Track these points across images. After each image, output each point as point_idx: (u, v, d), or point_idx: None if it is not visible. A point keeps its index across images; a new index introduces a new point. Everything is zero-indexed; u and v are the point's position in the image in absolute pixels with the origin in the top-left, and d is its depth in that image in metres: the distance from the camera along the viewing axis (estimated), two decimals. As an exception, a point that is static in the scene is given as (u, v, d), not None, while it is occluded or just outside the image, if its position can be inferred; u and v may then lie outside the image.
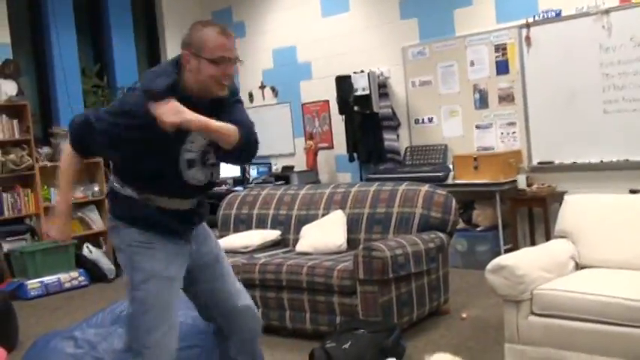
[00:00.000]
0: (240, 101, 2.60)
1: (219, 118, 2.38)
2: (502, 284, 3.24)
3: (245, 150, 2.48)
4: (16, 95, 6.70)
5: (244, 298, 2.78)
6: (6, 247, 6.47)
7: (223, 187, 6.92)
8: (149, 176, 2.47)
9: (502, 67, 6.03)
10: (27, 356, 3.38)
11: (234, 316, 2.74)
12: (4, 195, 6.53)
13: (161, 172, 2.46)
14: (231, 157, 2.54)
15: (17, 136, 6.62)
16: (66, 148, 2.56)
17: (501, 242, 5.78)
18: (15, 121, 6.61)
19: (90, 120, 2.44)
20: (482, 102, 6.18)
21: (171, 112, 2.26)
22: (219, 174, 2.65)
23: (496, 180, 5.70)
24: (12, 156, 6.52)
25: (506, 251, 5.41)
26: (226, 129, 2.37)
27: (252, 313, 2.79)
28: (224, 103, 2.48)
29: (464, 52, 6.23)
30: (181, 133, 2.36)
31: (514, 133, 6.01)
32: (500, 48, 6.01)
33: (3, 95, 6.63)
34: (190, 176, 2.50)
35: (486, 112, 6.16)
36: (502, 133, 6.09)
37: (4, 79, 6.65)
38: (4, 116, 6.54)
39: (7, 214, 6.54)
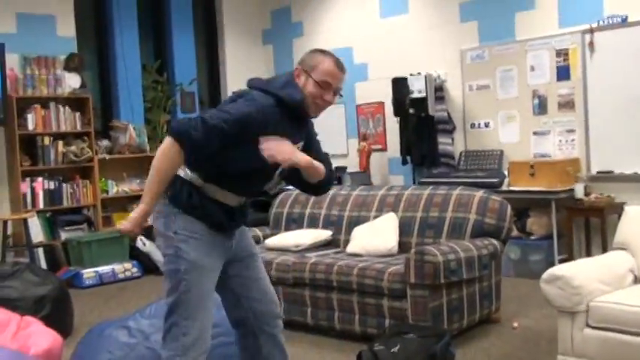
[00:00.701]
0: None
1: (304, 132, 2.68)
2: (557, 295, 3.17)
3: (325, 187, 2.77)
4: (79, 88, 6.89)
5: (271, 303, 2.80)
6: (64, 236, 6.66)
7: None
8: (236, 174, 2.56)
9: (563, 73, 5.90)
10: (82, 343, 3.47)
11: (257, 319, 2.77)
12: (64, 185, 6.72)
13: (250, 173, 2.58)
14: (311, 189, 2.77)
15: (79, 128, 6.81)
16: (167, 149, 2.42)
17: (555, 252, 5.66)
18: (77, 114, 6.80)
19: (220, 124, 2.42)
20: (541, 108, 6.06)
21: (287, 152, 2.50)
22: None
23: (552, 188, 5.59)
24: (73, 147, 6.71)
25: (561, 261, 5.29)
26: (321, 169, 2.64)
27: (277, 315, 2.82)
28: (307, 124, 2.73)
29: (524, 57, 6.12)
30: (290, 138, 2.57)
31: (573, 140, 5.88)
32: (562, 53, 5.88)
33: (67, 88, 6.82)
34: (273, 178, 2.70)
35: (545, 118, 6.05)
36: (560, 141, 5.97)
37: (68, 72, 6.85)
38: (67, 108, 6.73)
39: (66, 203, 6.73)
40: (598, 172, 5.71)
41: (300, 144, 2.67)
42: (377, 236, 4.55)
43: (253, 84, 2.63)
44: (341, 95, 2.72)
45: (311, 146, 2.75)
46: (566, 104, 5.90)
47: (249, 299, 2.75)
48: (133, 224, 2.50)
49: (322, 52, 2.66)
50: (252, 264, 2.79)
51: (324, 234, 4.93)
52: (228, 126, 2.42)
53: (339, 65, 2.62)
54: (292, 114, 2.58)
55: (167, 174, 2.45)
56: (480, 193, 4.43)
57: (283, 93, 2.54)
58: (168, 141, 2.41)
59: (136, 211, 2.49)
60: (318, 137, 2.86)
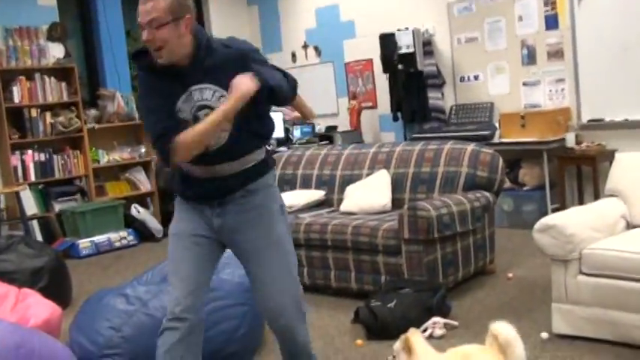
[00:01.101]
0: (259, 61, 2.51)
1: (202, 76, 2.40)
2: (550, 244, 3.20)
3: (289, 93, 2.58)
4: (64, 58, 6.81)
5: (269, 313, 2.57)
6: (57, 207, 6.66)
7: (267, 148, 6.93)
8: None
9: (551, 22, 5.85)
10: (81, 313, 3.49)
11: (263, 312, 2.66)
12: (55, 157, 6.69)
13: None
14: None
15: (65, 98, 6.74)
16: (183, 147, 2.39)
17: (548, 202, 5.69)
18: (63, 84, 6.73)
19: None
20: (530, 58, 6.03)
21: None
22: (237, 140, 2.47)
23: (544, 138, 5.59)
24: (61, 118, 6.65)
25: (554, 211, 5.32)
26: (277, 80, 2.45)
27: (275, 319, 2.57)
28: (208, 60, 2.42)
29: (512, 7, 6.06)
30: (173, 95, 2.41)
31: (563, 90, 5.86)
32: (550, 2, 5.82)
33: (51, 58, 6.74)
34: None
35: (534, 68, 6.01)
36: (550, 90, 5.95)
37: (51, 42, 6.76)
38: (52, 79, 6.65)
39: (58, 175, 6.71)
40: (589, 121, 5.71)
41: (205, 88, 2.41)
42: (370, 194, 4.56)
43: None
44: (166, 23, 2.32)
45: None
46: (556, 53, 5.86)
47: (254, 294, 2.63)
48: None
49: None
50: (255, 262, 2.55)
51: (317, 194, 4.94)
52: (148, 113, 2.47)
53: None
54: (161, 69, 2.40)
55: (199, 128, 2.39)
56: (471, 147, 4.43)
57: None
58: (173, 153, 2.42)
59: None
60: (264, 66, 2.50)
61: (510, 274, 4.40)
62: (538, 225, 3.25)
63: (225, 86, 2.38)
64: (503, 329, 2.33)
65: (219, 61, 2.43)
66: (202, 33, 2.47)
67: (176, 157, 2.39)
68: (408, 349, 2.37)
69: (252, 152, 2.54)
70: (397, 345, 2.42)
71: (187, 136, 2.35)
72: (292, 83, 2.60)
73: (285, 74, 2.59)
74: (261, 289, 2.56)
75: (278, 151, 6.30)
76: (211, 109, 2.39)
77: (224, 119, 2.35)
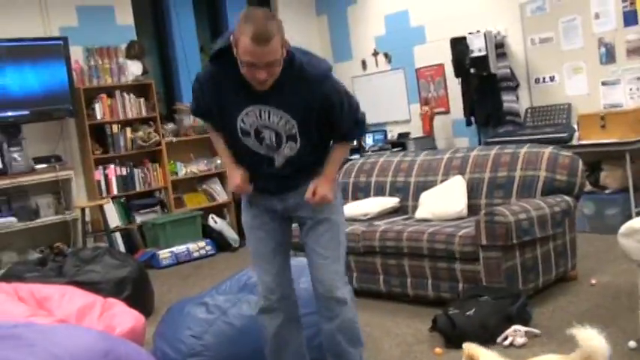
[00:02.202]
0: (342, 104, 2.57)
1: (275, 100, 2.49)
2: (636, 248, 3.07)
3: (353, 139, 2.87)
4: (142, 75, 7.04)
5: (321, 287, 2.72)
6: (139, 219, 6.88)
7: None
8: (235, 149, 2.72)
9: (630, 18, 5.65)
10: (163, 321, 3.59)
11: (315, 297, 2.80)
12: (136, 170, 6.92)
13: (228, 130, 2.66)
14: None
15: (144, 114, 6.97)
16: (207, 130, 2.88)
17: (632, 205, 5.48)
18: (141, 100, 6.96)
19: (192, 106, 2.84)
20: (609, 56, 5.83)
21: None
22: (295, 160, 2.63)
23: (626, 139, 5.39)
24: (140, 133, 6.88)
25: (638, 214, 5.13)
26: (336, 168, 2.72)
27: (325, 304, 2.73)
28: (289, 87, 2.46)
29: (587, 4, 5.89)
30: (238, 104, 2.54)
31: (645, 88, 5.65)
32: (628, -3, 5.64)
33: (130, 76, 6.98)
34: (249, 144, 2.62)
35: (613, 67, 5.81)
36: (631, 89, 5.73)
37: (130, 59, 7.00)
38: (131, 95, 6.90)
39: (139, 188, 6.94)
40: (674, 119, 5.47)
41: (272, 112, 2.50)
42: (445, 200, 4.51)
43: None
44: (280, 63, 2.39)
45: (329, 118, 2.56)
46: (636, 50, 5.65)
47: (310, 271, 2.80)
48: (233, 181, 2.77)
49: (246, 18, 2.32)
50: (311, 231, 2.75)
51: (392, 201, 4.92)
52: (195, 105, 2.78)
53: (258, 40, 2.26)
54: (237, 79, 2.46)
55: (214, 140, 2.83)
56: (549, 150, 4.32)
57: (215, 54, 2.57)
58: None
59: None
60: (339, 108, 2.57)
61: (594, 281, 4.26)
62: (623, 229, 3.13)
63: (294, 111, 2.50)
64: (589, 337, 2.25)
65: (296, 89, 2.47)
66: (296, 54, 2.48)
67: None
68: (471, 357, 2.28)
69: (314, 164, 2.70)
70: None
71: (212, 138, 2.83)
72: (359, 130, 2.77)
73: (357, 117, 2.68)
74: (314, 263, 2.74)
75: (351, 159, 6.31)
76: (275, 132, 2.54)
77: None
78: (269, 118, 2.51)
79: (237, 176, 2.69)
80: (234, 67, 2.42)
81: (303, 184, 2.67)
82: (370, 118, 7.86)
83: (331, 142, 2.73)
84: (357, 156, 6.78)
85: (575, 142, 5.68)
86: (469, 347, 2.29)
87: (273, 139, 2.57)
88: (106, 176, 6.73)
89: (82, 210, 6.32)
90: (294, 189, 2.70)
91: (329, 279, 2.70)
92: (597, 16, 5.85)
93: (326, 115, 2.55)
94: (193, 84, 2.71)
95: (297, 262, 3.52)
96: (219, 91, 2.56)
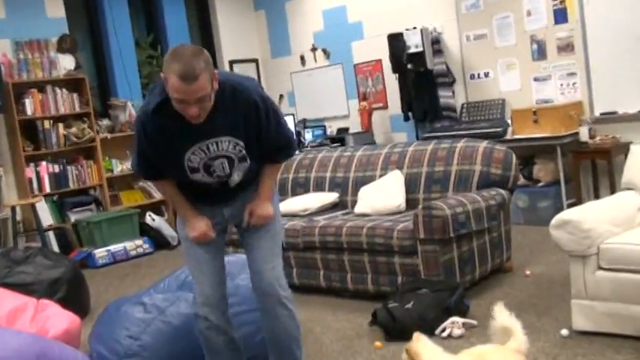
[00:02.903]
0: (267, 107, 2.58)
1: (218, 129, 2.51)
2: (567, 239, 3.17)
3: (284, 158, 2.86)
4: (75, 69, 6.85)
5: (259, 280, 2.73)
6: (73, 217, 6.69)
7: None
8: (180, 181, 2.70)
9: (560, 16, 5.82)
10: (99, 322, 3.50)
11: (254, 292, 2.80)
12: (69, 167, 6.72)
13: (179, 176, 2.65)
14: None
15: (77, 109, 6.78)
16: (154, 184, 2.81)
17: (564, 197, 5.66)
18: (74, 95, 6.76)
19: (136, 156, 2.72)
20: (541, 53, 5.99)
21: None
22: (244, 179, 2.70)
23: (557, 133, 5.55)
24: (74, 129, 6.69)
25: (569, 206, 5.27)
26: (272, 188, 2.79)
27: (264, 298, 2.74)
28: (224, 113, 2.50)
29: (520, 2, 6.03)
30: (184, 146, 2.52)
31: (574, 84, 5.82)
32: (558, -4, 5.80)
33: (62, 70, 6.78)
34: (199, 179, 2.62)
35: (545, 63, 5.98)
36: (562, 85, 5.91)
37: (62, 53, 6.80)
38: (63, 90, 6.70)
39: (73, 185, 6.75)
40: (602, 114, 5.67)
41: (221, 140, 2.53)
42: (384, 195, 4.54)
43: None
44: (210, 101, 2.41)
45: (263, 133, 2.60)
46: (566, 47, 5.83)
47: (249, 269, 2.80)
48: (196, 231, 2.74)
49: (172, 56, 2.35)
50: (253, 235, 2.78)
51: (331, 196, 4.93)
52: (137, 160, 2.70)
53: (185, 77, 2.28)
54: (176, 117, 2.44)
55: (166, 192, 2.79)
56: (484, 144, 4.41)
57: (149, 99, 2.54)
58: None
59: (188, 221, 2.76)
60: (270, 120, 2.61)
61: (528, 272, 4.37)
62: (554, 221, 3.22)
63: (239, 133, 2.54)
64: (501, 316, 2.34)
65: (234, 111, 2.50)
66: (220, 82, 2.47)
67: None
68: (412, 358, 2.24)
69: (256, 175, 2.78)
70: (404, 356, 2.31)
71: (157, 187, 2.99)
72: (290, 150, 2.81)
73: (288, 135, 2.74)
74: (255, 260, 2.76)
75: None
76: (227, 158, 2.56)
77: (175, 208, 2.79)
78: (218, 147, 2.54)
79: (201, 225, 2.69)
80: (174, 112, 2.42)
81: (249, 187, 2.76)
82: (309, 114, 7.91)
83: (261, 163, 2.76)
84: (296, 152, 6.76)
85: (509, 136, 5.82)
86: (412, 347, 2.26)
87: (226, 166, 2.60)
88: (37, 174, 6.52)
89: (13, 208, 6.11)
90: (241, 194, 2.76)
91: (271, 276, 2.72)
92: (529, 13, 6.00)
93: (258, 126, 2.58)
94: (135, 138, 2.62)
95: (237, 258, 3.50)
96: (163, 137, 2.51)
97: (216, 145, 2.54)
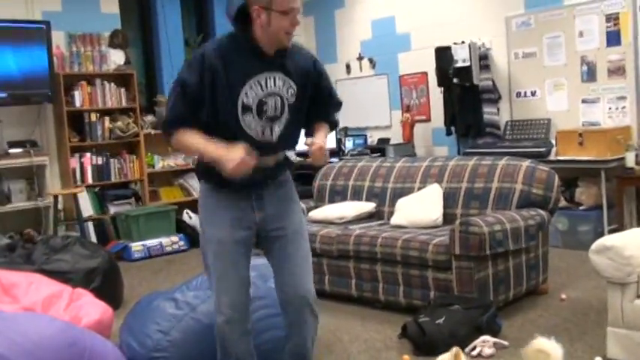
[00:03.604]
0: (326, 74, 2.79)
1: (281, 67, 2.58)
2: (607, 265, 3.10)
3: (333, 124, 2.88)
4: (124, 64, 6.97)
5: (294, 291, 2.68)
6: (112, 210, 6.80)
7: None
8: (215, 125, 2.54)
9: (613, 38, 5.71)
10: (131, 314, 3.54)
11: (286, 302, 2.71)
12: (112, 160, 6.84)
13: (223, 117, 2.54)
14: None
15: (124, 104, 6.90)
16: (177, 142, 2.58)
17: (605, 222, 5.54)
18: (122, 90, 6.89)
19: (174, 101, 2.56)
20: (590, 75, 5.89)
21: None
22: (280, 134, 2.63)
23: (602, 157, 5.44)
24: (119, 123, 6.81)
25: (611, 232, 5.17)
26: (326, 135, 2.74)
27: (295, 308, 2.69)
28: (292, 58, 2.62)
29: (572, 23, 5.94)
30: (247, 75, 2.52)
31: (624, 108, 5.71)
32: (612, 18, 5.68)
33: (112, 64, 6.91)
34: (247, 123, 2.55)
35: (594, 85, 5.87)
36: (610, 108, 5.80)
37: (113, 48, 6.93)
38: (112, 84, 6.82)
39: (114, 178, 6.86)
40: (650, 140, 5.55)
41: (278, 77, 2.57)
42: (421, 208, 4.51)
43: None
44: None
45: (320, 94, 2.73)
46: (617, 70, 5.72)
47: (278, 279, 2.73)
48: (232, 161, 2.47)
49: None
50: (286, 245, 2.70)
51: (368, 206, 4.92)
52: (180, 97, 2.51)
53: None
54: (246, 46, 2.53)
55: (194, 142, 2.55)
56: (526, 163, 4.35)
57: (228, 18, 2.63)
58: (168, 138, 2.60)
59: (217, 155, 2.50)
60: (325, 80, 2.78)
61: (564, 296, 4.29)
62: (595, 246, 3.15)
63: (294, 80, 2.61)
64: (544, 344, 2.28)
65: (299, 62, 2.64)
66: None
67: (171, 143, 2.60)
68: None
69: (291, 149, 2.77)
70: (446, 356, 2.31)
71: (181, 140, 2.55)
72: (338, 112, 2.90)
73: (338, 98, 2.87)
74: (291, 269, 2.68)
75: (330, 162, 6.30)
76: (280, 97, 2.58)
77: (207, 156, 2.53)
78: (274, 83, 2.58)
79: (239, 150, 2.42)
80: (242, 40, 2.53)
81: (280, 176, 2.73)
82: (351, 122, 7.89)
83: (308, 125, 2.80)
84: (335, 159, 6.77)
85: (552, 157, 5.73)
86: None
87: (279, 106, 2.60)
88: (81, 165, 6.64)
89: (55, 197, 6.23)
90: (270, 181, 2.69)
91: (310, 287, 2.70)
92: (581, 34, 5.90)
93: (316, 86, 2.70)
94: (179, 80, 2.53)
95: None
96: (226, 70, 2.50)
97: (273, 80, 2.56)
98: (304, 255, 2.73)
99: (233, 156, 2.41)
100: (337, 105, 2.86)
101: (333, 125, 2.85)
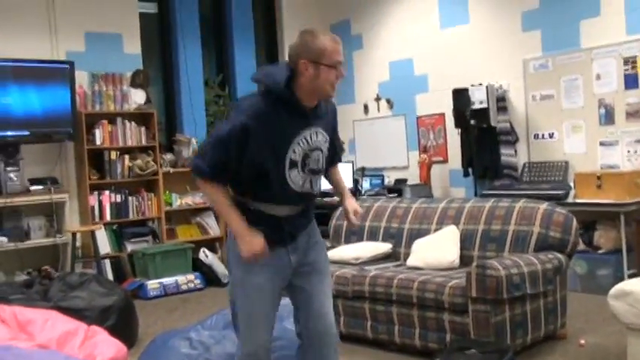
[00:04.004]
0: (336, 117, 2.89)
1: (317, 120, 2.67)
2: (626, 311, 3.06)
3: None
4: (145, 104, 7.08)
5: (323, 324, 2.74)
6: (130, 247, 6.83)
7: (336, 199, 6.95)
8: (257, 177, 2.59)
9: (631, 81, 5.71)
10: (145, 353, 3.54)
11: (311, 338, 2.74)
12: (130, 198, 6.90)
13: (267, 172, 2.58)
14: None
15: (144, 142, 6.98)
16: (202, 187, 2.62)
17: (625, 267, 5.46)
18: (142, 128, 6.98)
19: (219, 138, 2.57)
20: (608, 118, 5.88)
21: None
22: (318, 184, 2.77)
23: (621, 200, 5.40)
24: (138, 161, 6.88)
25: (630, 276, 5.11)
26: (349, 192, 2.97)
27: (322, 342, 2.74)
28: (321, 107, 2.72)
29: (590, 65, 5.96)
30: (293, 134, 2.57)
31: (642, 151, 5.69)
32: (630, 61, 5.70)
33: (133, 103, 7.02)
34: (292, 178, 2.61)
35: (612, 128, 5.86)
36: (629, 151, 5.77)
37: (134, 88, 7.05)
38: (133, 123, 6.92)
39: (132, 216, 6.91)
40: (670, 184, 5.50)
41: (318, 131, 2.67)
42: (438, 249, 4.49)
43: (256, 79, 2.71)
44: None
45: (332, 136, 2.81)
46: (635, 113, 5.71)
47: (304, 313, 2.75)
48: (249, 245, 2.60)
49: (313, 34, 2.60)
50: (314, 279, 2.76)
51: (384, 247, 4.90)
52: (220, 153, 2.54)
53: (336, 40, 2.62)
54: (289, 105, 2.57)
55: (220, 201, 2.62)
56: (544, 206, 4.33)
57: (270, 85, 2.59)
58: (198, 181, 2.62)
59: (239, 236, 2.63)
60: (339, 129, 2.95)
61: (583, 341, 4.22)
62: (614, 290, 3.12)
63: (328, 133, 2.73)
64: None
65: (324, 110, 2.74)
66: None
67: (197, 183, 2.63)
68: None
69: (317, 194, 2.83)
70: None
71: (210, 192, 2.60)
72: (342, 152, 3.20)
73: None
74: (316, 305, 2.73)
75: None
76: (321, 150, 2.67)
77: (227, 222, 2.65)
78: (317, 137, 2.66)
79: (258, 241, 2.57)
80: (281, 101, 2.57)
81: (310, 221, 2.82)
82: (369, 163, 7.91)
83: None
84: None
85: (570, 199, 5.69)
86: None
87: (321, 159, 2.70)
88: (100, 202, 6.71)
89: (74, 234, 6.28)
90: (303, 229, 2.76)
91: (332, 320, 2.77)
92: (599, 77, 5.92)
93: (334, 128, 2.83)
94: (217, 142, 2.55)
95: (286, 301, 3.50)
96: (273, 130, 2.54)
97: (316, 135, 2.65)
98: (329, 293, 2.81)
99: (252, 246, 2.55)
100: (341, 149, 3.08)
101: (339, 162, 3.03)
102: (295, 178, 2.62)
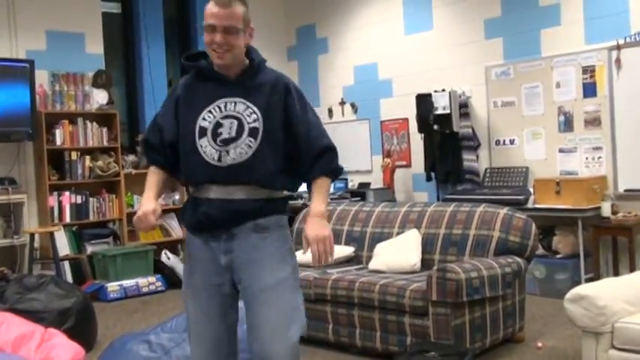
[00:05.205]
0: (301, 97, 2.59)
1: (243, 90, 2.46)
2: (582, 315, 3.12)
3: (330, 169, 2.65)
4: (107, 104, 6.99)
5: (267, 346, 2.37)
6: (90, 249, 6.73)
7: (299, 201, 6.96)
8: (180, 154, 2.53)
9: (589, 90, 5.84)
10: (103, 356, 3.49)
11: (254, 354, 2.43)
12: (91, 199, 6.80)
13: (183, 144, 2.49)
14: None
15: (105, 143, 6.89)
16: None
17: (582, 271, 5.57)
18: (104, 129, 6.89)
19: (153, 119, 2.64)
20: (567, 125, 6.00)
21: None
22: (256, 167, 2.41)
23: (579, 206, 5.51)
24: (100, 162, 6.79)
25: (587, 281, 5.22)
26: (323, 201, 2.57)
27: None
28: (255, 79, 2.50)
29: (550, 74, 6.08)
30: (206, 100, 2.47)
31: (600, 158, 5.81)
32: (589, 70, 5.83)
33: (94, 104, 6.93)
34: (203, 149, 2.41)
35: (571, 135, 5.98)
36: (587, 158, 5.89)
37: (96, 88, 6.96)
38: (94, 124, 6.82)
39: (93, 217, 6.81)
40: (625, 190, 5.63)
41: (239, 101, 2.44)
42: (399, 253, 4.52)
43: None
44: (239, 30, 2.44)
45: (292, 122, 2.49)
46: (593, 121, 5.83)
47: (249, 334, 2.45)
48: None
49: None
50: (253, 300, 2.41)
51: (346, 250, 4.92)
52: (153, 132, 2.59)
53: (219, 2, 2.41)
54: (206, 75, 2.52)
55: (147, 181, 2.62)
56: (504, 211, 4.39)
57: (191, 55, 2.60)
58: None
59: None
60: (302, 111, 2.56)
61: (540, 344, 4.29)
62: (570, 295, 3.18)
63: (259, 106, 2.44)
64: None
65: (262, 82, 2.50)
66: (257, 53, 2.58)
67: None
68: None
69: (271, 186, 2.48)
70: None
71: (150, 175, 2.60)
72: (331, 158, 2.65)
73: (325, 139, 2.61)
74: (258, 327, 2.40)
75: (309, 205, 6.30)
76: (237, 119, 2.42)
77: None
78: (234, 107, 2.44)
79: (148, 205, 2.48)
80: (202, 72, 2.52)
81: (259, 217, 2.43)
82: (332, 166, 7.91)
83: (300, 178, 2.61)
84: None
85: (530, 205, 5.79)
86: None
87: (234, 129, 2.40)
88: (60, 203, 6.60)
89: (32, 235, 6.17)
90: (242, 221, 2.42)
91: (274, 346, 2.38)
92: (558, 85, 6.04)
93: (287, 110, 2.49)
94: (162, 107, 2.63)
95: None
96: (191, 92, 2.53)
97: (234, 105, 2.44)
98: (273, 315, 2.39)
99: (141, 206, 2.49)
100: (326, 151, 2.57)
101: (331, 174, 2.61)
102: (207, 149, 2.40)
